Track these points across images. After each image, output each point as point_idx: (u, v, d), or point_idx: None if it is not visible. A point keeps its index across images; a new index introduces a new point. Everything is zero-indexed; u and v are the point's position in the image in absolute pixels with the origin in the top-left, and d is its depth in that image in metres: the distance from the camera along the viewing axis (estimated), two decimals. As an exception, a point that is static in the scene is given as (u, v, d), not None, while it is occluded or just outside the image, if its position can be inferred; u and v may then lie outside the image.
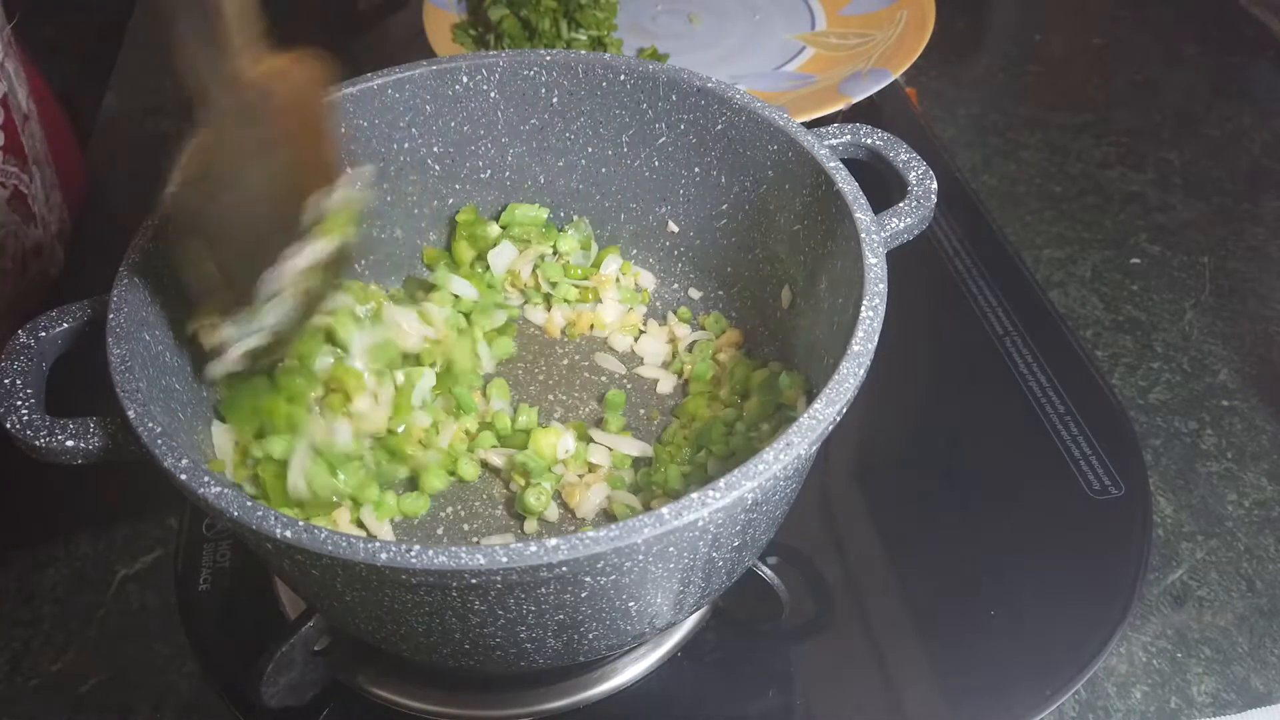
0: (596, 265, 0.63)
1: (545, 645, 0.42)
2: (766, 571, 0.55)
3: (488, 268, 0.62)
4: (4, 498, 0.61)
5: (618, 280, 0.63)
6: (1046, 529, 0.57)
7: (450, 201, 0.63)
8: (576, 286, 0.62)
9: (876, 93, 0.79)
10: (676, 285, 0.64)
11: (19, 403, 0.43)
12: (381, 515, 0.52)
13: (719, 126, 0.56)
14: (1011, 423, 0.63)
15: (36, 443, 0.42)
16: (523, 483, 0.53)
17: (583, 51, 0.60)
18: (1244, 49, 1.00)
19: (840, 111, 0.77)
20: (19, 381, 0.43)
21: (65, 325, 0.46)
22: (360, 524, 0.52)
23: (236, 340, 0.45)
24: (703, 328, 0.62)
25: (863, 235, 0.47)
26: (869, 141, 0.54)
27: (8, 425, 0.42)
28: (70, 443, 0.42)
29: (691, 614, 0.49)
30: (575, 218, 0.63)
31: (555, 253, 0.62)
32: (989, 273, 0.72)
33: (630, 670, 0.51)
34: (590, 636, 0.42)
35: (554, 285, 0.62)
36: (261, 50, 0.41)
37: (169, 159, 0.42)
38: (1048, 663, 0.51)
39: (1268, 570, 0.58)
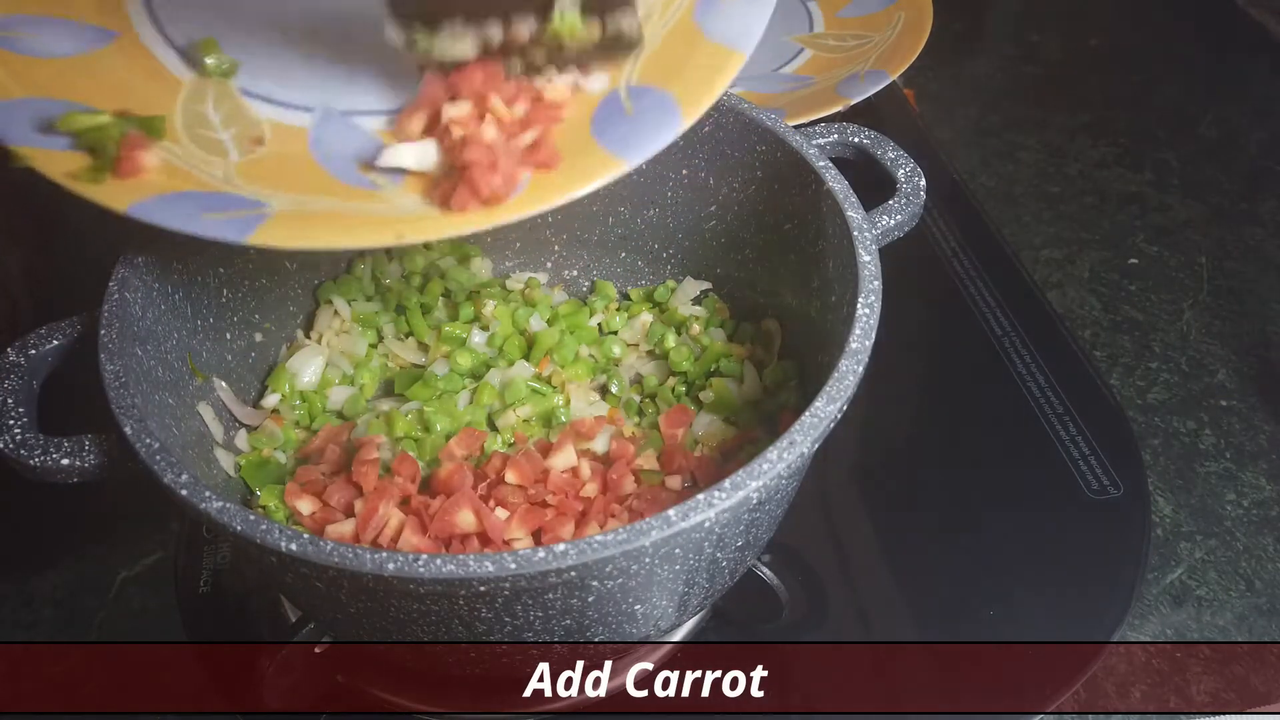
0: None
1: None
2: (766, 571, 0.55)
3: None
4: (4, 499, 0.60)
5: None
6: (1045, 529, 0.57)
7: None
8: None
9: (875, 94, 0.79)
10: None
11: (11, 422, 0.42)
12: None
13: (706, 128, 0.56)
14: (1010, 423, 0.63)
15: (31, 462, 0.41)
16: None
17: None
18: (1241, 50, 1.01)
19: (839, 113, 0.77)
20: (10, 400, 0.43)
21: (55, 342, 0.45)
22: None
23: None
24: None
25: (855, 233, 0.47)
26: (857, 140, 0.54)
27: (0, 445, 0.41)
28: (66, 461, 0.41)
29: (695, 615, 0.50)
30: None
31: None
32: (987, 273, 0.73)
33: (631, 671, 0.51)
34: (596, 641, 0.43)
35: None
36: None
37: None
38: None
39: (1266, 570, 0.58)
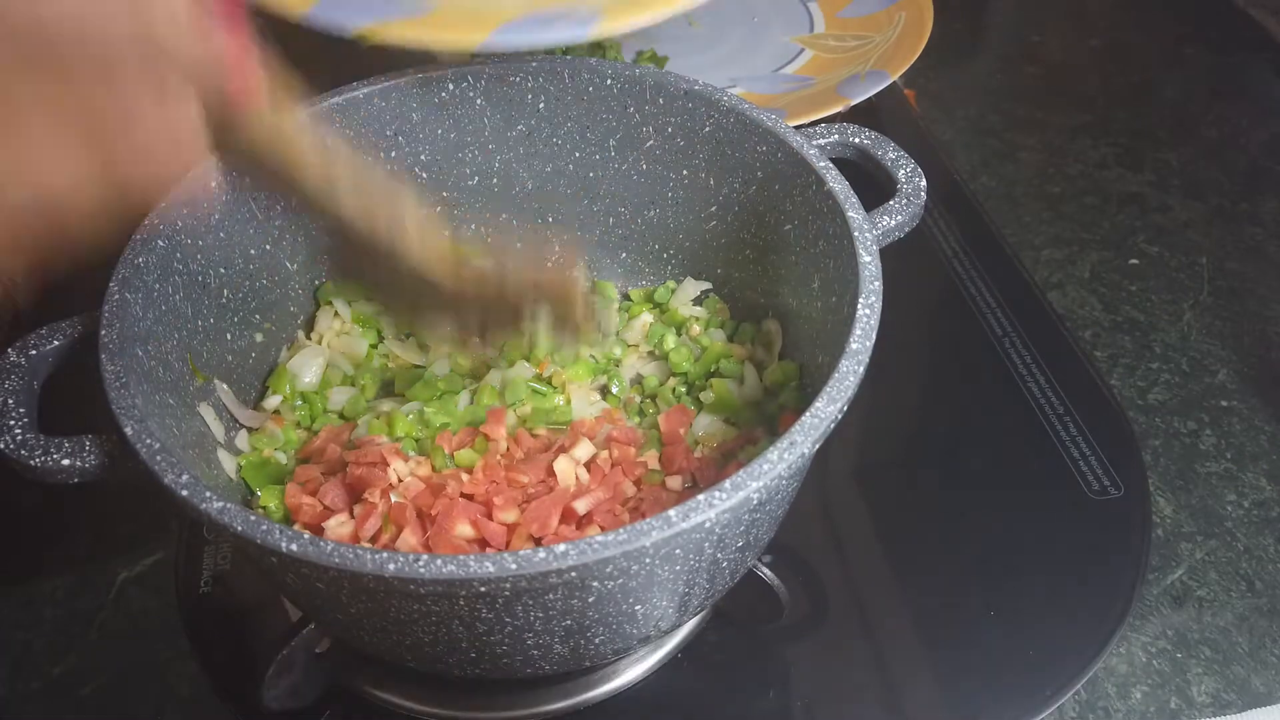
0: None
1: (552, 652, 0.42)
2: (766, 572, 0.55)
3: None
4: (3, 499, 0.60)
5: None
6: (1046, 529, 0.57)
7: (438, 209, 0.63)
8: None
9: (875, 95, 0.79)
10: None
11: (11, 422, 0.42)
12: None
13: (707, 129, 0.56)
14: (1011, 423, 0.63)
15: (31, 462, 0.41)
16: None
17: (568, 56, 0.60)
18: (1242, 50, 1.00)
19: (839, 114, 0.77)
20: (10, 401, 0.43)
21: (56, 343, 0.45)
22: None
23: None
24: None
25: (855, 234, 0.47)
26: (857, 141, 0.55)
27: (1, 446, 0.41)
28: (66, 461, 0.41)
29: (695, 615, 0.50)
30: None
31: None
32: (988, 274, 0.73)
33: (631, 671, 0.51)
34: (596, 641, 0.43)
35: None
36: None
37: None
38: (1048, 663, 0.51)
39: (1267, 570, 0.58)
